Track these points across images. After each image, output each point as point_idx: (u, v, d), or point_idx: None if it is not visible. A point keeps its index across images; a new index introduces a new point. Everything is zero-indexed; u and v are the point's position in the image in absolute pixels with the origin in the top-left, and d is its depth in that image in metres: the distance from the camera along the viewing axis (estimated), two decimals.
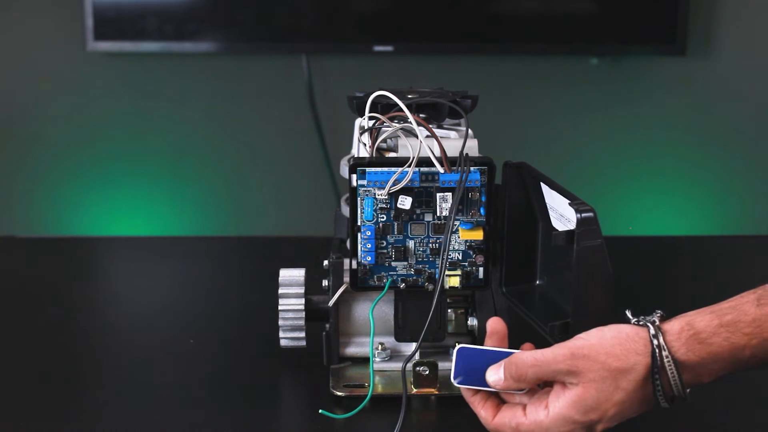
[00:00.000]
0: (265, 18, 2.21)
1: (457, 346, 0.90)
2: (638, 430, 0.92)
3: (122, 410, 0.99)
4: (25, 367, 1.08)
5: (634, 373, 0.84)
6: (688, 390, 0.84)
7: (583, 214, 0.88)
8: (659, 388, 0.84)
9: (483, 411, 0.89)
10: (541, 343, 0.91)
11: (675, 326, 0.85)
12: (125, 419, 0.97)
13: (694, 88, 2.35)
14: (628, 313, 0.87)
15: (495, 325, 0.92)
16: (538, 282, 1.01)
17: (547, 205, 0.95)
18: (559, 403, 0.85)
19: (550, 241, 0.96)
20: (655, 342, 0.83)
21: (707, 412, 0.98)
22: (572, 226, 0.89)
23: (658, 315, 0.86)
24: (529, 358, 0.86)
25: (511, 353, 0.89)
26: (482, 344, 0.91)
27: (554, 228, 0.94)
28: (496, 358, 0.89)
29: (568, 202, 0.90)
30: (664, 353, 0.83)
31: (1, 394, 1.02)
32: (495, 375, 0.88)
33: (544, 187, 0.95)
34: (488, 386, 0.89)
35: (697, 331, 0.84)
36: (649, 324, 0.85)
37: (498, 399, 0.90)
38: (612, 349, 0.84)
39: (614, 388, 0.84)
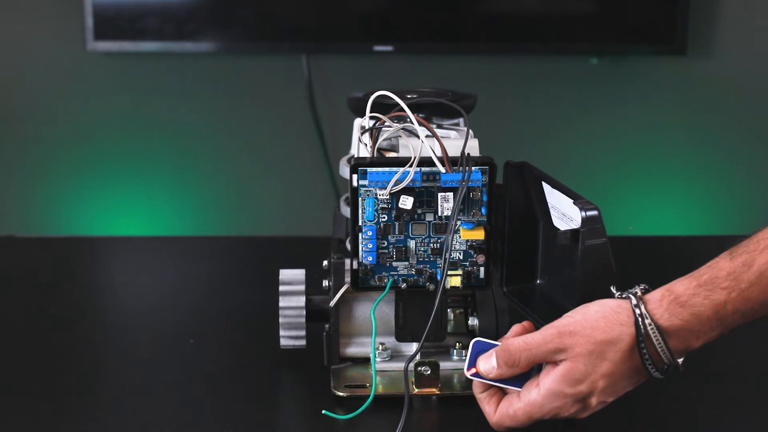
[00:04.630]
0: (265, 18, 2.21)
1: (474, 339, 0.91)
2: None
3: (122, 410, 0.99)
4: (25, 367, 1.08)
5: (620, 343, 0.85)
6: (680, 360, 0.85)
7: (588, 213, 0.88)
8: (647, 357, 0.85)
9: (488, 407, 0.91)
10: None
11: (656, 295, 0.86)
12: (125, 419, 0.97)
13: (694, 88, 2.34)
14: (613, 289, 0.88)
15: (517, 331, 0.93)
16: (538, 281, 1.01)
17: (549, 205, 0.95)
18: (549, 379, 0.86)
19: (551, 240, 0.96)
20: (638, 311, 0.85)
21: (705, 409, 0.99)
22: (574, 225, 0.90)
23: (641, 288, 0.87)
24: (519, 342, 0.88)
25: None
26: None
27: (555, 227, 0.94)
28: None
29: (573, 201, 0.90)
30: (647, 321, 0.85)
31: (1, 394, 1.02)
32: (487, 363, 0.89)
33: (546, 187, 0.95)
34: (499, 380, 0.90)
35: (677, 295, 0.85)
36: (630, 295, 0.86)
37: (503, 395, 0.91)
38: (596, 323, 0.85)
39: (601, 360, 0.85)
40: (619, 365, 0.85)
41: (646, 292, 0.87)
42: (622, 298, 0.87)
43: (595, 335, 0.85)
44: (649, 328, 0.84)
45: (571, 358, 0.85)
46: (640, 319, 0.85)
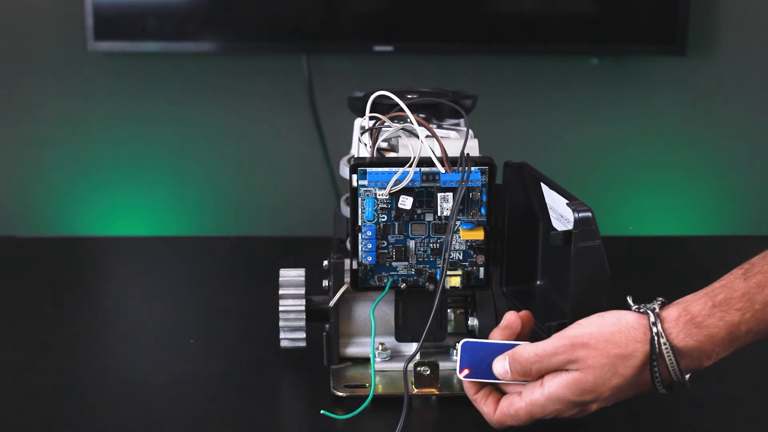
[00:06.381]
0: (265, 18, 2.21)
1: (462, 341, 0.90)
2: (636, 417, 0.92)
3: (122, 410, 0.99)
4: (24, 367, 1.08)
5: (633, 359, 0.85)
6: (687, 376, 0.85)
7: (580, 215, 0.88)
8: (657, 375, 0.84)
9: (485, 407, 0.90)
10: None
11: (672, 313, 0.86)
12: (125, 419, 0.97)
13: (694, 88, 2.34)
14: (629, 300, 0.88)
15: (511, 319, 0.93)
16: (538, 282, 1.01)
17: (547, 205, 0.95)
18: (555, 383, 0.86)
19: (550, 241, 0.96)
20: (654, 330, 0.85)
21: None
22: (571, 226, 0.89)
23: (659, 302, 0.87)
24: (530, 354, 0.87)
25: (516, 344, 0.89)
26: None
27: (554, 228, 0.94)
28: (500, 350, 0.90)
29: (566, 202, 0.90)
30: (662, 340, 0.84)
31: (1, 394, 1.02)
32: (502, 367, 0.89)
33: (544, 188, 0.95)
34: (495, 378, 0.90)
35: (693, 315, 0.85)
36: (649, 311, 0.86)
37: (499, 394, 0.91)
38: (612, 336, 0.85)
39: (612, 374, 0.85)
40: (628, 379, 0.85)
41: (662, 306, 0.87)
42: (639, 312, 0.87)
43: (609, 349, 0.85)
44: (663, 347, 0.84)
45: (583, 369, 0.85)
46: (656, 338, 0.84)
